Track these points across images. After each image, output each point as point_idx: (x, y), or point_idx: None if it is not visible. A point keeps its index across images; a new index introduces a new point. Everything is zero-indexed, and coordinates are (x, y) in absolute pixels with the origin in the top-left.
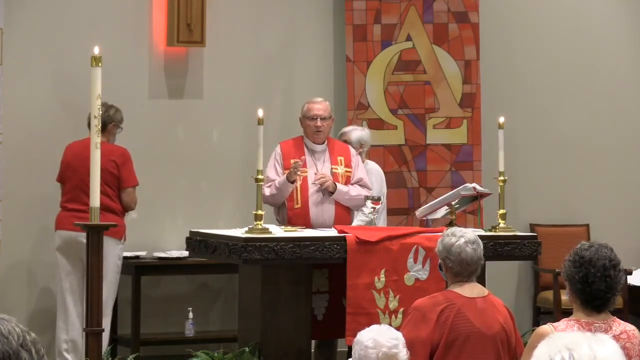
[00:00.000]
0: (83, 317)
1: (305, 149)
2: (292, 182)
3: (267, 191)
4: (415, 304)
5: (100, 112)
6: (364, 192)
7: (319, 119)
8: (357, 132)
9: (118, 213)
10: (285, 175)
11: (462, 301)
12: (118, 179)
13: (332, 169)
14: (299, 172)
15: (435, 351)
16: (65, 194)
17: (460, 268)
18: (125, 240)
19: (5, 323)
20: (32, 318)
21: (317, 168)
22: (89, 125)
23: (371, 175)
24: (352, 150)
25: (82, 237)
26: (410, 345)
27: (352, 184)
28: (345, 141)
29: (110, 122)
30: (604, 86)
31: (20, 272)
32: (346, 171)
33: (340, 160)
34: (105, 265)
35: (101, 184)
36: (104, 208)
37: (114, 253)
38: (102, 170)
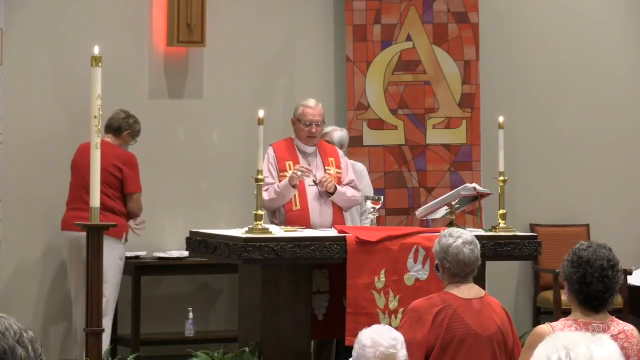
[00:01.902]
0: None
1: (297, 151)
2: (294, 186)
3: (265, 195)
4: (412, 305)
5: (120, 117)
6: (357, 193)
7: (313, 125)
8: (338, 132)
9: (119, 213)
10: (287, 179)
11: (458, 302)
12: (121, 182)
13: (325, 169)
14: (303, 178)
15: (431, 353)
16: (70, 193)
17: (457, 269)
18: (126, 240)
19: (3, 320)
20: (32, 318)
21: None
22: (105, 129)
23: (363, 177)
24: (340, 152)
25: (83, 237)
26: (406, 346)
27: (343, 185)
28: (327, 141)
29: (127, 129)
30: (604, 86)
31: (20, 271)
32: (337, 172)
33: (331, 161)
34: (105, 265)
35: (102, 184)
36: (104, 208)
37: (114, 253)
38: (104, 170)
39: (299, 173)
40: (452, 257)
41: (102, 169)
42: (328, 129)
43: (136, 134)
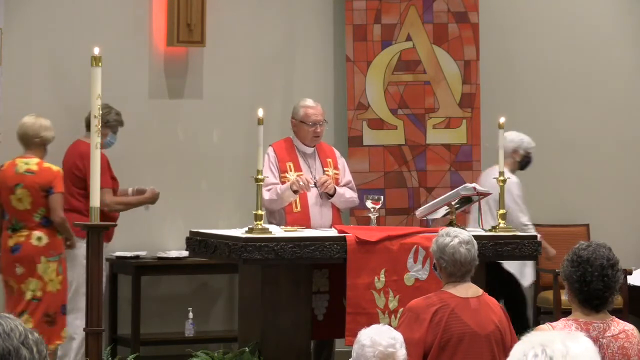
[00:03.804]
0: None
1: (297, 152)
2: (295, 192)
3: (266, 195)
4: (409, 305)
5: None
6: (354, 194)
7: (318, 125)
8: (526, 138)
9: (83, 212)
10: (288, 184)
11: (456, 302)
12: (84, 180)
13: (324, 170)
14: (303, 190)
15: (429, 352)
16: None
17: (453, 268)
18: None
19: (9, 321)
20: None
21: (311, 171)
22: (87, 126)
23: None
24: (337, 152)
25: None
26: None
27: (341, 186)
28: (516, 149)
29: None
30: (603, 86)
31: None
32: (335, 173)
33: (329, 162)
34: (73, 265)
35: (68, 184)
36: (69, 207)
37: (79, 252)
38: (67, 170)
39: (301, 183)
40: (448, 256)
41: (66, 169)
42: (512, 135)
43: (111, 124)
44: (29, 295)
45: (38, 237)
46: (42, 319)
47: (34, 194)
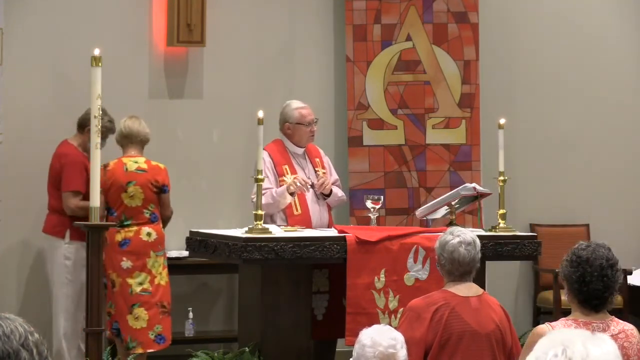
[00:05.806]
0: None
1: (289, 154)
2: (292, 194)
3: (262, 199)
4: (410, 304)
5: (88, 113)
6: (343, 192)
7: (313, 124)
8: None
9: (61, 212)
10: (284, 186)
11: (457, 300)
12: (60, 180)
13: (316, 170)
14: (302, 190)
15: (430, 351)
16: None
17: (451, 267)
18: (71, 239)
19: (9, 322)
20: (26, 310)
21: (304, 172)
22: (78, 126)
23: None
24: (322, 151)
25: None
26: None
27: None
28: None
29: (89, 125)
30: (603, 86)
31: (20, 272)
32: (323, 172)
33: (317, 161)
34: (51, 266)
35: (48, 184)
36: (49, 207)
37: (58, 253)
38: (50, 169)
39: (298, 184)
40: (447, 254)
41: (50, 169)
42: None
43: (100, 130)
44: (137, 288)
45: (148, 232)
46: (158, 309)
47: (146, 191)
